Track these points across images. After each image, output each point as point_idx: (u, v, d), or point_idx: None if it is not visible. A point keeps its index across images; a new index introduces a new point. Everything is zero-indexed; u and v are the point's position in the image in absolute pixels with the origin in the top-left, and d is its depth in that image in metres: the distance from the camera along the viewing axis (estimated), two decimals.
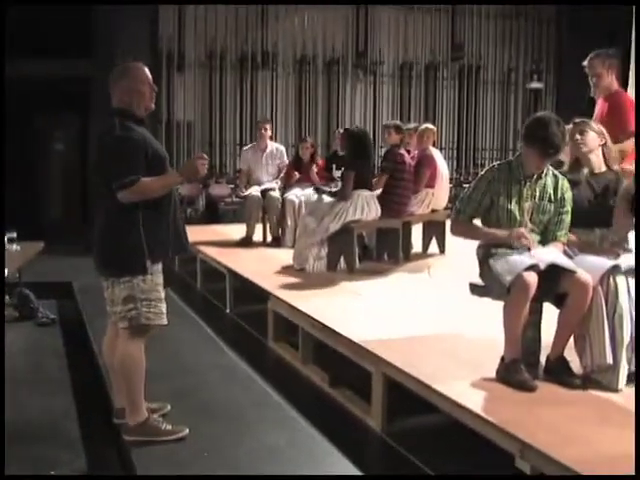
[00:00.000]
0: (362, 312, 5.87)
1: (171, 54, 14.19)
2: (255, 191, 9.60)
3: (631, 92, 8.46)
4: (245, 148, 10.85)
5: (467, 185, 13.82)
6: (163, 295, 4.37)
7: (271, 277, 7.21)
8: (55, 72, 12.08)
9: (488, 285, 4.57)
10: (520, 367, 4.19)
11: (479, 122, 16.10)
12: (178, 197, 4.53)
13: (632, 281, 4.22)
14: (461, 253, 6.04)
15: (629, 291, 4.17)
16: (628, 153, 5.73)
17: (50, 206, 14.07)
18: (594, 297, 4.15)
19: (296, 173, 9.84)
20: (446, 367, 4.50)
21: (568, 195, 4.59)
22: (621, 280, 4.17)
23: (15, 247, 7.57)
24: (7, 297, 7.50)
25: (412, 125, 9.73)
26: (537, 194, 4.54)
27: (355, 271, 7.51)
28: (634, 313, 4.14)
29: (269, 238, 9.66)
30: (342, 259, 7.61)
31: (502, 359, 4.29)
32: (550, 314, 4.46)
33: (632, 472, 3.07)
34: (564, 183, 4.60)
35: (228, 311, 7.74)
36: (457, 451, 4.20)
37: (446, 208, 9.42)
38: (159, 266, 4.34)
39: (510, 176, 4.54)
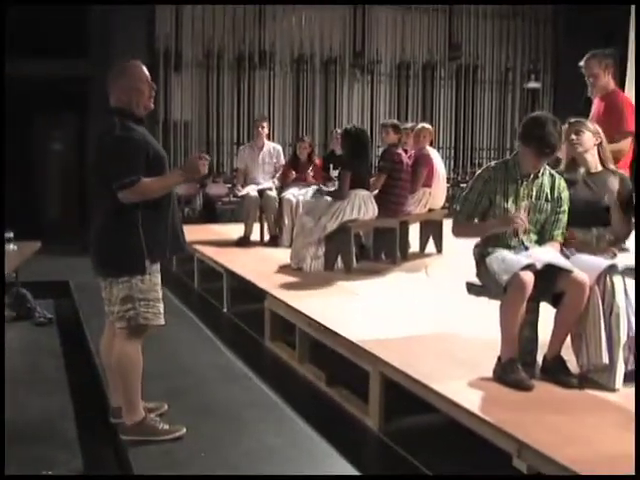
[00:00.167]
0: (359, 311, 5.87)
1: (168, 54, 14.18)
2: (253, 191, 9.59)
3: (628, 92, 8.48)
4: (242, 147, 10.85)
5: (464, 185, 13.87)
6: (161, 295, 4.37)
7: (268, 276, 7.20)
8: (52, 72, 12.07)
9: (485, 284, 4.57)
10: (517, 366, 4.20)
11: (476, 122, 16.11)
12: (176, 196, 4.52)
13: (629, 281, 4.22)
14: (458, 252, 6.04)
15: (626, 291, 4.18)
16: (625, 153, 5.74)
17: (47, 206, 14.07)
18: (591, 296, 4.16)
19: (293, 172, 9.84)
20: (443, 366, 4.50)
21: (565, 194, 4.59)
22: (618, 280, 4.17)
23: (12, 247, 7.56)
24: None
25: (409, 124, 9.73)
26: (534, 193, 4.54)
27: (352, 270, 7.51)
28: (631, 313, 4.15)
29: (266, 237, 9.66)
30: (339, 258, 7.61)
31: (499, 359, 4.29)
32: (547, 313, 4.46)
33: (630, 471, 3.08)
34: (561, 182, 4.60)
35: (225, 310, 7.74)
36: (454, 451, 4.20)
37: (443, 207, 9.44)
38: (157, 266, 4.34)
39: (507, 175, 4.55)
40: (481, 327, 5.04)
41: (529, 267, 4.18)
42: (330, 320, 5.42)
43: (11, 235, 7.65)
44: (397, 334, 5.19)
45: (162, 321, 4.35)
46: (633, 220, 4.76)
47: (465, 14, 15.77)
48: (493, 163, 4.75)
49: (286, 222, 9.21)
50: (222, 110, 14.65)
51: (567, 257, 4.45)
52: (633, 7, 13.08)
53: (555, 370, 4.25)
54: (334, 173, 9.43)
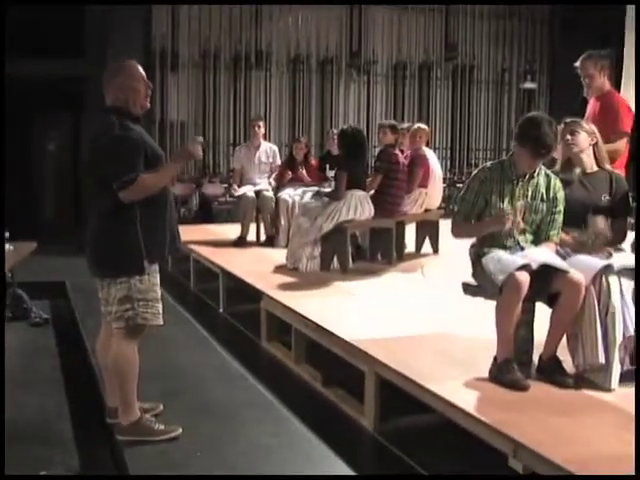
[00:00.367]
0: (355, 312, 5.87)
1: (165, 54, 14.18)
2: (249, 191, 9.59)
3: (624, 93, 8.49)
4: (238, 147, 10.85)
5: (461, 185, 13.89)
6: (159, 295, 4.37)
7: (264, 277, 7.20)
8: (49, 72, 12.06)
9: (481, 285, 4.58)
10: (513, 367, 4.20)
11: (473, 122, 16.12)
12: (172, 196, 4.52)
13: (625, 281, 4.23)
14: (454, 253, 6.05)
15: (621, 291, 4.19)
16: (621, 153, 5.75)
17: (43, 206, 14.05)
18: (586, 297, 4.16)
19: (289, 173, 9.84)
20: (439, 367, 4.50)
21: (560, 195, 4.60)
22: (613, 280, 4.18)
23: (8, 247, 7.55)
24: None
25: (406, 125, 9.74)
26: (529, 193, 4.55)
27: (348, 271, 7.51)
28: (626, 313, 4.16)
29: (262, 238, 9.66)
30: (335, 259, 7.61)
31: (495, 359, 4.29)
32: (543, 313, 4.47)
33: (627, 471, 3.08)
34: (556, 183, 4.61)
35: (221, 311, 7.74)
36: (450, 451, 4.20)
37: (439, 208, 9.44)
38: (156, 266, 4.34)
39: (502, 176, 4.55)
40: (477, 327, 5.04)
41: (525, 267, 4.18)
42: (326, 320, 5.42)
43: (7, 235, 7.64)
44: (393, 334, 5.19)
45: (161, 321, 4.35)
46: (631, 221, 4.78)
47: (461, 14, 15.78)
48: (489, 163, 4.75)
49: (282, 222, 9.21)
50: (218, 110, 14.65)
51: (563, 257, 4.46)
52: (629, 8, 13.12)
53: (551, 370, 4.26)
54: (330, 173, 9.44)
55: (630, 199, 4.99)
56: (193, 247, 8.92)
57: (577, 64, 6.04)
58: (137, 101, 4.27)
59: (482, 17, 15.89)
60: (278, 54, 14.85)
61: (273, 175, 9.96)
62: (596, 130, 4.92)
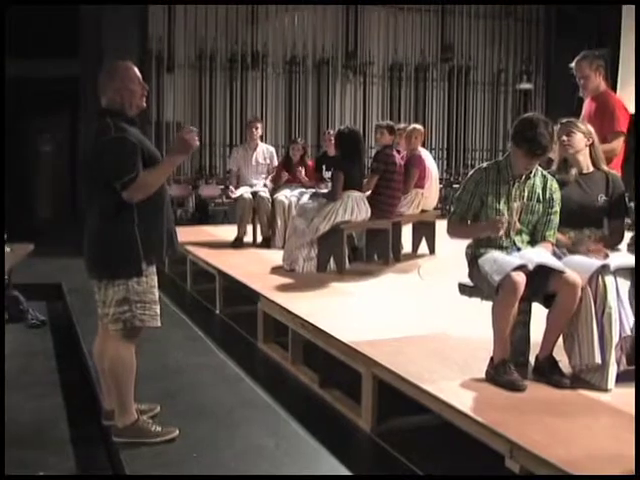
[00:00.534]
0: (352, 313, 5.87)
1: (161, 54, 14.20)
2: (246, 192, 9.58)
3: (620, 93, 8.51)
4: (235, 148, 10.85)
5: (457, 185, 13.92)
6: (157, 297, 4.36)
7: (261, 278, 7.20)
8: (43, 72, 12.05)
9: (477, 285, 4.58)
10: (509, 367, 4.20)
11: (469, 123, 16.15)
12: (169, 198, 4.52)
13: (621, 281, 4.23)
14: (451, 254, 6.06)
15: (618, 291, 4.19)
16: (617, 153, 5.75)
17: (39, 207, 14.05)
18: (583, 297, 4.16)
19: (286, 174, 9.84)
20: (436, 367, 4.50)
21: (557, 195, 4.60)
22: (610, 280, 4.18)
23: (4, 248, 7.54)
24: None
25: (402, 125, 9.74)
26: (525, 194, 4.55)
27: (345, 272, 7.51)
28: (622, 313, 4.16)
29: (259, 239, 9.66)
30: (332, 260, 7.61)
31: (491, 359, 4.30)
32: (539, 314, 4.47)
33: (623, 471, 3.09)
34: (553, 183, 4.61)
35: (218, 312, 7.73)
36: (447, 452, 4.21)
37: (436, 208, 9.45)
38: (154, 268, 4.33)
39: (499, 176, 4.56)
40: (473, 328, 5.05)
41: (521, 268, 4.19)
42: (323, 321, 5.42)
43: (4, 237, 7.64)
44: (390, 335, 5.19)
45: (158, 323, 4.34)
46: (628, 221, 4.78)
47: (457, 15, 15.80)
48: (485, 164, 4.75)
49: (279, 223, 9.21)
50: (214, 111, 14.67)
51: (559, 258, 4.46)
52: (625, 8, 13.14)
53: (547, 370, 4.26)
54: (327, 174, 9.44)
55: (626, 199, 5.00)
56: (190, 248, 8.92)
57: (572, 65, 6.05)
58: (133, 102, 4.26)
59: (478, 17, 15.93)
60: (274, 55, 14.88)
61: (270, 176, 9.96)
62: (592, 130, 4.93)
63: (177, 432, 4.39)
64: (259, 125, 10.19)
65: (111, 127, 4.09)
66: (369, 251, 8.41)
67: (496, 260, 4.33)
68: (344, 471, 4.05)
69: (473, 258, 4.56)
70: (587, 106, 6.10)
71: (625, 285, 4.25)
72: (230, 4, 14.39)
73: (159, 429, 4.37)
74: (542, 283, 4.27)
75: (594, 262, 4.27)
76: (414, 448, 4.27)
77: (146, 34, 13.96)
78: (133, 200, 4.08)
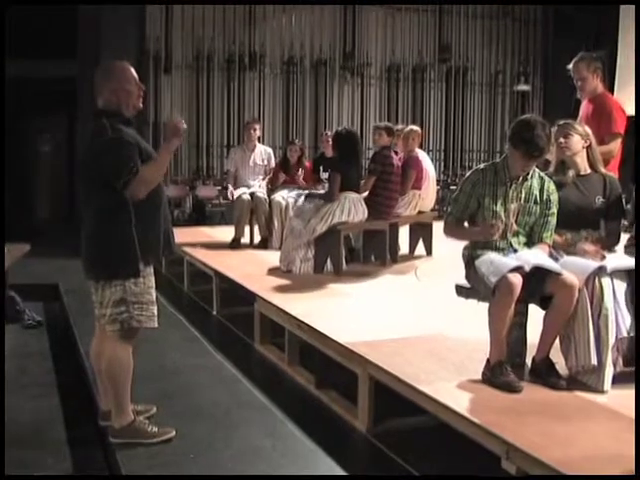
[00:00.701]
0: (349, 314, 5.87)
1: (158, 55, 14.20)
2: (244, 194, 9.58)
3: (617, 95, 8.52)
4: (233, 149, 10.85)
5: (454, 187, 13.93)
6: (154, 297, 4.36)
7: (258, 279, 7.20)
8: (42, 72, 12.05)
9: (474, 286, 4.59)
10: (506, 368, 4.20)
11: (466, 124, 16.16)
12: (166, 198, 4.51)
13: (617, 282, 4.24)
14: (448, 255, 6.06)
15: (614, 292, 4.19)
16: (614, 154, 5.75)
17: (36, 207, 14.04)
18: (579, 298, 4.16)
19: (283, 175, 9.85)
20: (432, 369, 4.50)
21: (554, 197, 4.60)
22: (606, 281, 4.18)
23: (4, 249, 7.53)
24: None
25: (399, 127, 9.75)
26: (523, 196, 4.55)
27: (342, 273, 7.51)
28: (619, 314, 4.16)
29: (257, 240, 9.65)
30: (329, 261, 7.61)
31: (488, 361, 4.30)
32: (536, 315, 4.47)
33: (619, 472, 3.09)
34: (550, 185, 4.61)
35: (215, 313, 7.73)
36: (443, 453, 4.21)
37: (433, 210, 9.45)
38: (151, 268, 4.33)
39: (496, 178, 4.56)
40: (470, 329, 5.05)
41: (517, 269, 4.19)
42: (319, 322, 5.41)
43: None
44: (386, 336, 5.19)
45: (155, 324, 4.34)
46: (624, 223, 4.78)
47: (455, 15, 15.82)
48: (482, 165, 4.76)
49: (276, 224, 9.21)
50: (212, 112, 14.67)
51: (556, 259, 4.47)
52: (622, 9, 13.15)
53: (544, 372, 4.26)
54: (324, 175, 9.45)
55: (623, 201, 5.00)
56: (187, 249, 8.91)
57: (570, 66, 6.05)
58: (129, 103, 4.25)
59: (475, 18, 15.94)
60: (272, 56, 14.88)
61: (267, 177, 9.95)
62: (590, 132, 4.93)
63: (173, 433, 4.39)
64: (257, 126, 10.18)
65: (107, 128, 4.09)
66: (366, 252, 8.41)
67: (493, 261, 4.33)
68: (340, 472, 4.05)
69: (470, 259, 4.57)
70: (584, 108, 6.11)
71: (621, 287, 4.26)
72: (227, 4, 14.39)
73: (155, 430, 4.37)
74: (539, 285, 4.27)
75: (591, 264, 4.27)
76: (410, 449, 4.27)
77: (143, 34, 13.96)
78: (138, 197, 4.07)
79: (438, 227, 8.39)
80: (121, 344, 4.28)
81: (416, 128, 9.24)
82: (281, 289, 6.77)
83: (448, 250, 5.80)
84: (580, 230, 4.75)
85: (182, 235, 8.71)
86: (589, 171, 4.90)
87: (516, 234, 4.56)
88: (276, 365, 5.97)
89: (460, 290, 4.82)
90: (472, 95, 16.15)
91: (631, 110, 7.23)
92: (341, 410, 4.90)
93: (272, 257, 8.20)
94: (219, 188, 14.04)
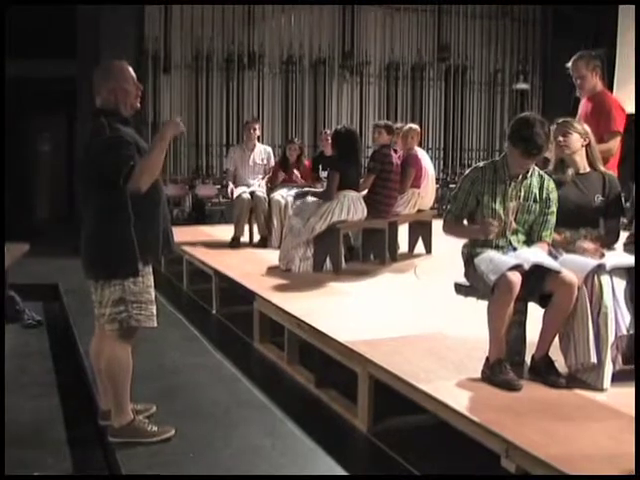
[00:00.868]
0: (348, 313, 5.87)
1: (157, 55, 14.18)
2: (244, 193, 9.57)
3: (616, 94, 8.51)
4: (232, 148, 10.84)
5: (454, 185, 13.92)
6: (154, 297, 4.36)
7: (257, 278, 7.20)
8: (41, 73, 12.04)
9: (473, 285, 4.59)
10: (505, 367, 4.20)
11: (465, 123, 16.16)
12: (165, 197, 4.51)
13: (616, 280, 4.24)
14: (447, 253, 6.06)
15: (613, 290, 4.19)
16: (613, 153, 5.75)
17: (36, 207, 14.03)
18: (579, 296, 4.16)
19: (282, 173, 9.85)
20: (432, 367, 4.50)
21: (553, 196, 4.60)
22: (605, 279, 4.18)
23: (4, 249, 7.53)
24: None
25: (398, 125, 9.75)
26: (522, 194, 4.55)
27: (341, 272, 7.51)
28: (618, 312, 4.17)
29: (256, 239, 9.65)
30: (328, 260, 7.61)
31: (487, 359, 4.30)
32: (535, 313, 4.47)
33: (619, 471, 3.09)
34: (550, 183, 4.61)
35: (214, 312, 7.73)
36: (443, 451, 4.21)
37: (432, 208, 9.44)
38: (150, 268, 4.33)
39: (495, 176, 4.56)
40: (469, 328, 5.05)
41: (517, 267, 4.19)
42: (319, 321, 5.41)
43: None
44: (386, 335, 5.18)
45: (155, 323, 4.35)
46: (624, 221, 4.78)
47: (454, 14, 15.81)
48: (481, 163, 4.76)
49: (275, 223, 9.21)
50: (211, 111, 14.66)
51: (555, 257, 4.47)
52: (621, 8, 13.15)
53: (543, 370, 4.26)
54: (323, 174, 9.44)
55: (622, 199, 5.00)
56: (186, 248, 8.91)
57: (569, 65, 6.05)
58: (127, 102, 4.25)
59: (474, 17, 15.93)
60: (271, 55, 14.88)
61: (267, 177, 9.95)
62: (589, 130, 4.92)
63: (173, 432, 4.39)
64: (257, 126, 10.17)
65: (105, 127, 4.08)
66: (365, 251, 8.40)
67: (492, 260, 4.33)
68: (340, 471, 4.05)
69: (469, 257, 4.57)
70: (583, 106, 6.10)
71: (621, 284, 4.26)
72: (226, 4, 14.38)
73: (155, 429, 4.38)
74: (538, 283, 4.27)
75: (590, 262, 4.27)
76: (410, 448, 4.27)
77: (143, 34, 13.95)
78: (141, 190, 4.02)
79: (437, 225, 8.41)
80: (120, 343, 4.28)
81: (415, 126, 9.24)
82: (280, 288, 6.77)
83: (447, 248, 5.80)
84: (579, 228, 4.75)
85: (181, 234, 8.72)
86: (588, 169, 4.90)
87: (515, 232, 4.56)
88: (276, 364, 5.97)
89: (459, 288, 4.82)
90: (471, 94, 16.14)
91: (630, 108, 7.24)
92: (341, 409, 4.90)
93: (271, 256, 8.20)
94: (218, 187, 14.05)
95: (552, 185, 4.62)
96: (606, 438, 3.49)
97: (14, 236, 8.00)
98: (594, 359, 4.11)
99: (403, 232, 8.91)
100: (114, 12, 12.28)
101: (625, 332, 4.17)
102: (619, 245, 4.87)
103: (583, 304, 4.16)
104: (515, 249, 4.51)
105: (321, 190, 8.24)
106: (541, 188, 4.58)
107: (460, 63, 15.92)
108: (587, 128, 4.93)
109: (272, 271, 7.59)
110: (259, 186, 9.76)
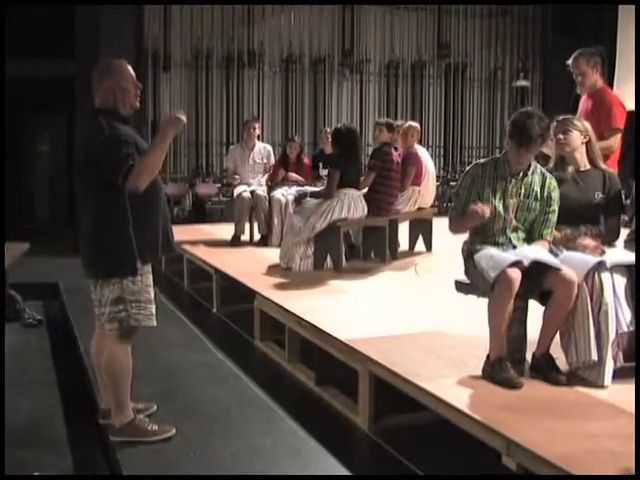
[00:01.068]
0: (349, 311, 5.87)
1: (157, 53, 14.19)
2: (245, 191, 9.57)
3: (617, 91, 8.50)
4: (232, 147, 10.84)
5: (454, 183, 13.94)
6: (153, 296, 4.35)
7: (258, 276, 7.20)
8: (40, 72, 12.03)
9: (473, 282, 4.58)
10: (506, 364, 4.20)
11: (466, 120, 16.16)
12: (165, 196, 4.50)
13: (617, 277, 4.23)
14: (447, 251, 6.05)
15: (614, 287, 4.19)
16: (614, 150, 5.74)
17: (36, 206, 14.03)
18: (579, 294, 4.16)
19: (283, 171, 9.84)
20: (432, 365, 4.50)
21: (555, 194, 4.58)
22: (606, 277, 4.18)
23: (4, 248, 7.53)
24: None
25: (399, 123, 9.74)
26: (522, 192, 4.54)
27: (342, 270, 7.51)
28: (619, 309, 4.16)
29: (256, 237, 9.65)
30: (329, 258, 7.60)
31: (488, 357, 4.29)
32: (536, 311, 4.47)
33: (619, 468, 3.09)
34: (552, 182, 4.59)
35: (215, 310, 7.73)
36: (444, 449, 4.20)
37: (433, 206, 9.44)
38: (149, 267, 4.33)
39: (496, 172, 4.55)
40: (470, 325, 5.04)
41: (516, 264, 4.18)
42: (319, 319, 5.41)
43: None
44: (386, 333, 5.18)
45: (154, 322, 4.34)
46: (624, 218, 4.77)
47: (454, 13, 15.81)
48: (482, 160, 4.76)
49: (275, 222, 9.20)
50: (211, 110, 14.67)
51: (556, 255, 4.46)
52: (620, 7, 13.14)
53: (544, 368, 4.26)
54: (323, 172, 9.44)
55: (623, 197, 5.00)
56: (187, 247, 8.91)
57: (569, 62, 6.04)
58: (126, 102, 4.24)
59: (474, 16, 15.93)
60: (271, 54, 14.88)
61: (267, 175, 9.95)
62: (589, 128, 4.91)
63: (174, 431, 4.39)
64: (257, 125, 10.17)
65: (104, 126, 4.07)
66: (366, 249, 8.40)
67: (492, 256, 4.32)
68: (341, 469, 4.04)
69: (469, 254, 4.56)
70: (584, 103, 6.09)
71: (622, 282, 4.25)
72: (226, 3, 14.38)
73: (156, 428, 4.37)
74: (538, 280, 4.26)
75: (590, 259, 4.27)
76: (411, 446, 4.27)
77: (142, 33, 13.95)
78: (139, 189, 4.03)
79: (438, 223, 8.45)
80: (120, 342, 4.28)
81: (415, 124, 9.24)
82: (281, 286, 6.77)
83: (448, 246, 5.80)
84: (580, 226, 4.73)
85: (182, 233, 8.73)
86: (588, 167, 4.88)
87: (515, 230, 4.55)
88: (276, 362, 5.97)
89: (460, 286, 4.81)
90: (471, 91, 16.14)
91: (631, 105, 7.22)
92: (341, 407, 4.90)
93: (272, 254, 8.19)
94: (219, 185, 14.05)
95: (554, 183, 4.60)
96: (607, 436, 3.48)
97: (14, 235, 8.00)
98: (595, 356, 4.11)
99: (403, 230, 8.91)
100: (113, 11, 12.27)
101: (626, 329, 4.17)
102: (620, 242, 4.87)
103: (584, 301, 4.16)
104: (515, 247, 4.50)
105: (321, 190, 8.23)
106: (543, 186, 4.57)
107: (460, 61, 15.93)
108: (587, 125, 4.92)
109: (273, 269, 7.59)
110: (260, 185, 9.76)
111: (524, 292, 4.28)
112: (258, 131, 10.14)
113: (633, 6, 10.39)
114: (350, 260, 7.99)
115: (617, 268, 4.25)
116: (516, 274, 4.14)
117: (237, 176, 9.84)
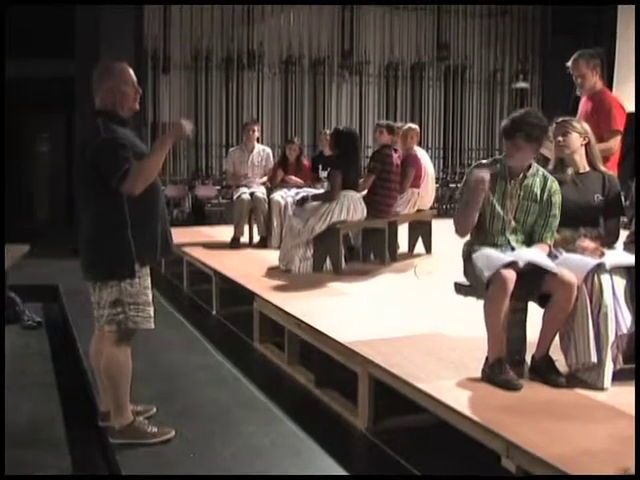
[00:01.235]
0: (348, 313, 5.86)
1: (156, 55, 14.19)
2: (244, 194, 9.57)
3: (616, 92, 8.51)
4: (232, 149, 10.84)
5: (453, 185, 13.97)
6: (151, 298, 4.35)
7: (257, 278, 7.19)
8: (39, 73, 12.02)
9: (471, 282, 4.58)
10: (505, 366, 4.20)
11: (465, 122, 16.17)
12: (164, 199, 4.50)
13: (616, 279, 4.23)
14: (447, 253, 6.05)
15: (613, 289, 4.19)
16: (613, 151, 5.75)
17: (36, 208, 14.02)
18: (579, 296, 4.16)
19: (282, 173, 9.85)
20: (432, 367, 4.50)
21: (556, 198, 4.56)
22: (605, 278, 4.18)
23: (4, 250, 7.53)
24: None
25: (398, 125, 9.74)
26: (522, 193, 4.54)
27: (341, 272, 7.50)
28: (618, 311, 4.16)
29: (256, 239, 9.65)
30: (328, 260, 7.60)
31: (487, 359, 4.29)
32: (535, 313, 4.47)
33: (618, 470, 3.09)
34: (553, 185, 4.58)
35: (214, 312, 7.72)
36: (443, 451, 4.20)
37: (432, 208, 9.44)
38: (147, 269, 4.32)
39: (496, 173, 4.55)
40: (469, 327, 5.03)
41: (511, 265, 4.18)
42: (319, 321, 5.41)
43: None
44: (386, 335, 5.18)
45: (152, 325, 4.34)
46: (624, 220, 4.77)
47: (453, 14, 15.82)
48: (484, 161, 4.77)
49: (275, 224, 9.20)
50: (210, 111, 14.67)
51: (555, 257, 4.46)
52: (619, 8, 13.15)
53: (544, 370, 4.26)
54: (323, 174, 9.44)
55: (622, 199, 5.00)
56: (186, 249, 8.90)
57: (569, 63, 6.05)
58: (125, 104, 4.24)
59: (474, 17, 15.94)
60: (270, 55, 14.88)
61: (266, 177, 9.95)
62: (589, 129, 4.91)
63: (173, 433, 4.39)
64: (256, 128, 10.16)
65: (101, 128, 4.07)
66: (365, 251, 8.40)
67: (488, 256, 4.33)
68: (340, 471, 4.04)
69: (468, 255, 4.57)
70: (584, 105, 6.10)
71: (621, 283, 4.25)
72: (226, 4, 14.38)
73: (155, 430, 4.37)
74: (537, 283, 4.26)
75: (590, 261, 4.27)
76: (410, 448, 4.26)
77: (142, 34, 13.94)
78: (134, 193, 4.03)
79: (437, 225, 8.45)
80: (119, 345, 4.28)
81: (414, 126, 9.24)
82: (280, 288, 6.77)
83: (447, 248, 5.79)
84: (579, 228, 4.73)
85: (181, 235, 8.72)
86: (588, 169, 4.88)
87: (514, 232, 4.55)
88: (276, 364, 5.97)
89: (459, 288, 4.81)
90: (471, 93, 16.15)
91: (630, 107, 7.23)
92: (341, 409, 4.90)
93: (271, 256, 8.19)
94: (218, 188, 14.05)
95: (556, 187, 4.58)
96: (606, 437, 3.48)
97: (14, 237, 8.00)
98: (594, 358, 4.11)
99: (403, 232, 8.90)
100: (113, 12, 12.26)
101: (625, 331, 4.17)
102: (619, 244, 4.86)
103: (583, 303, 4.15)
104: (513, 249, 4.49)
105: (322, 192, 8.22)
106: (543, 189, 4.56)
107: (460, 62, 15.93)
108: (587, 127, 4.92)
109: (272, 271, 7.59)
110: (259, 187, 9.76)
111: (523, 294, 4.29)
112: (257, 133, 10.13)
113: (633, 6, 10.40)
114: (349, 262, 7.99)
115: (616, 270, 4.25)
116: (510, 274, 4.14)
117: (242, 177, 9.83)
